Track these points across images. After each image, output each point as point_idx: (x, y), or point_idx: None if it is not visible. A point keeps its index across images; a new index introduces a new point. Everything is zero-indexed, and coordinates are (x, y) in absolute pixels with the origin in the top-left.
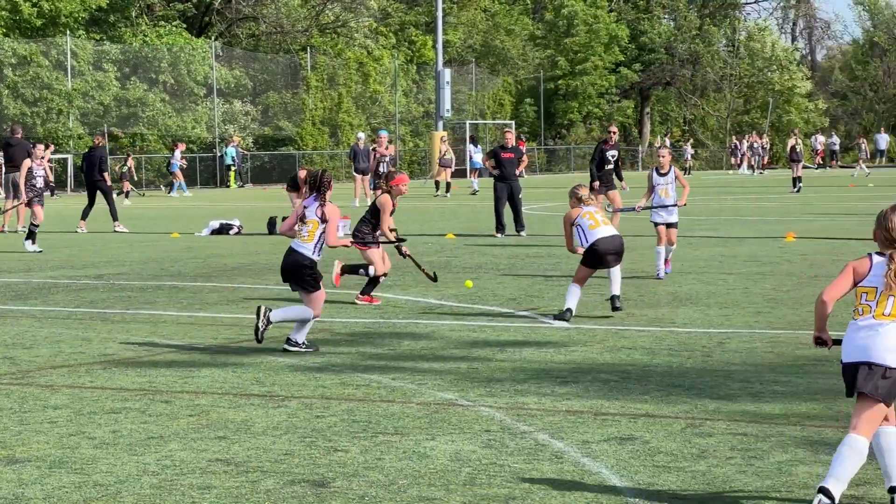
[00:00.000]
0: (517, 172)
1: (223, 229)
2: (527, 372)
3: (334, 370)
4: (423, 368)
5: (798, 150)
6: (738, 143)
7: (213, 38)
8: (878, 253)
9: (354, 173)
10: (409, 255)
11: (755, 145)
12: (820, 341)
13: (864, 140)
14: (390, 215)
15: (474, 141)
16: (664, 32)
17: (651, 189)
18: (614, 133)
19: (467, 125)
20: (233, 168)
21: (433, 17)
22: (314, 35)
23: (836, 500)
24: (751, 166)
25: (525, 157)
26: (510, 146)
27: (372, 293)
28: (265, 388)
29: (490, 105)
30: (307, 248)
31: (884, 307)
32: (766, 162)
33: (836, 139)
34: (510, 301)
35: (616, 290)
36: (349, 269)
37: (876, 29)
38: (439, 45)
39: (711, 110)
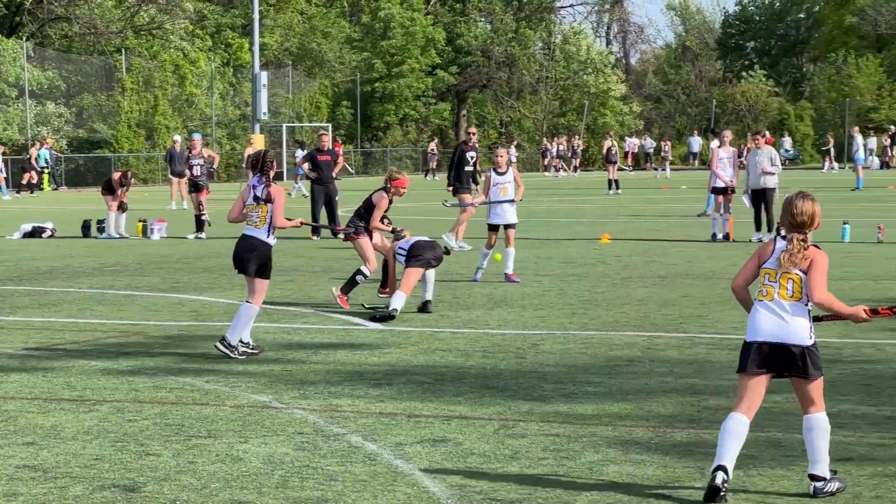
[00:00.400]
0: (334, 175)
1: (36, 232)
2: (341, 374)
3: (147, 373)
4: (238, 371)
5: (613, 152)
6: (548, 145)
7: (24, 38)
8: (783, 237)
9: (171, 176)
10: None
11: (560, 148)
12: None
13: (669, 143)
14: (384, 212)
15: (302, 145)
16: (480, 35)
17: (488, 189)
18: (473, 134)
19: (284, 128)
20: (46, 171)
21: (249, 20)
22: (129, 37)
23: (828, 477)
24: (558, 168)
25: (341, 160)
26: (326, 148)
27: (349, 294)
28: (76, 393)
29: (307, 108)
30: (261, 233)
31: (785, 290)
32: (577, 164)
33: (649, 142)
34: (325, 304)
35: (430, 296)
36: (348, 287)
37: (688, 33)
38: (256, 48)
39: (528, 112)
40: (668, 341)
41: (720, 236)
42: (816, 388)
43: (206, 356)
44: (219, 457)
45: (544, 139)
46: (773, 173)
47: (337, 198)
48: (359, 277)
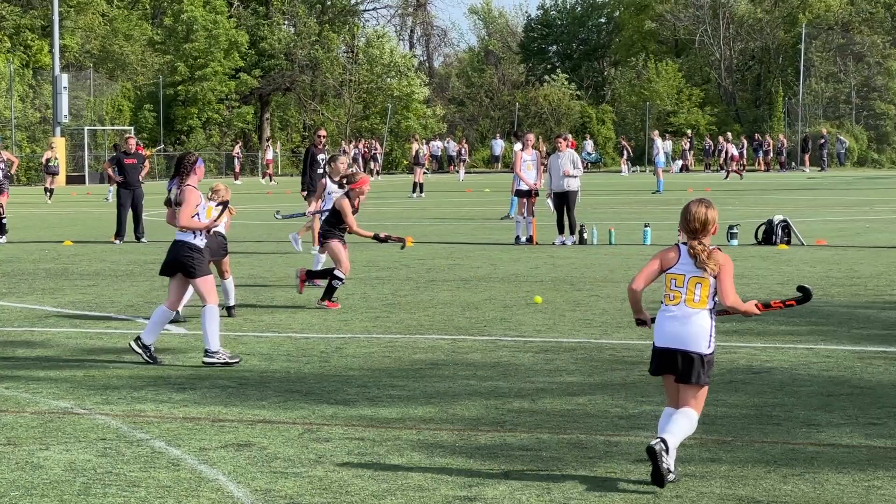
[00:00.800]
0: (140, 178)
1: None
2: (144, 379)
3: None
4: (39, 377)
5: (420, 155)
6: (346, 148)
7: None
8: (684, 243)
9: None
10: (388, 237)
11: (354, 151)
12: (640, 321)
13: (465, 147)
14: (353, 214)
15: (117, 148)
16: (284, 38)
17: (321, 195)
18: (323, 136)
19: (86, 131)
20: None
21: (49, 21)
22: None
23: (670, 451)
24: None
25: (148, 163)
26: (132, 152)
27: (332, 297)
28: None
29: (109, 111)
30: (187, 235)
31: (693, 294)
32: (378, 168)
33: (452, 145)
34: (128, 308)
35: (232, 301)
36: (329, 293)
37: (491, 37)
38: (56, 50)
39: (331, 116)
40: (471, 344)
41: (523, 239)
42: (700, 394)
43: (4, 363)
44: (18, 465)
45: (342, 142)
46: (576, 176)
47: (142, 202)
48: (335, 282)
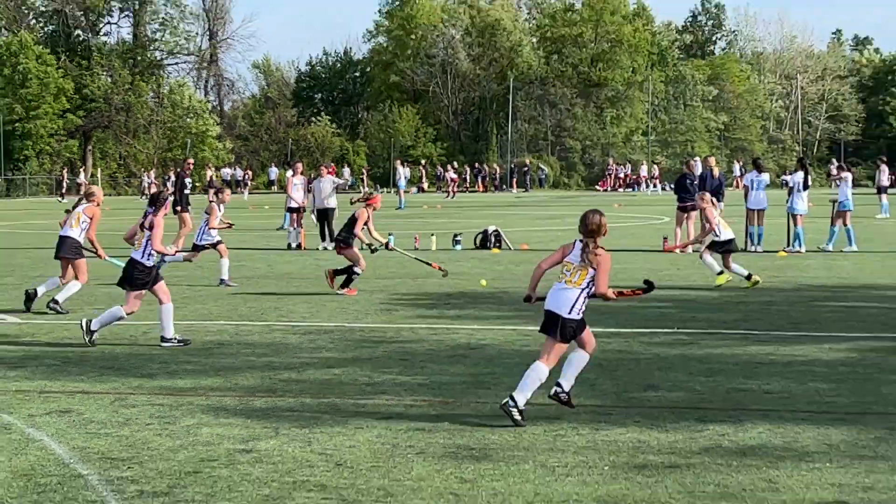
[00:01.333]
0: None
1: None
2: None
3: None
4: None
5: (215, 179)
6: (145, 176)
7: None
8: (580, 240)
9: None
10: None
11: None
12: (527, 297)
13: (249, 173)
14: (365, 224)
15: None
16: (103, 86)
17: (213, 219)
18: (190, 163)
19: None
20: None
21: None
22: None
23: (521, 407)
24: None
25: None
26: None
27: (351, 286)
28: None
29: None
30: (137, 254)
31: (573, 277)
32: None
33: (239, 171)
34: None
35: (46, 293)
36: (348, 281)
37: (269, 86)
38: None
39: (142, 148)
40: (251, 328)
41: (294, 245)
42: (558, 349)
43: None
44: None
45: (144, 172)
46: (333, 195)
47: None
48: (354, 275)
